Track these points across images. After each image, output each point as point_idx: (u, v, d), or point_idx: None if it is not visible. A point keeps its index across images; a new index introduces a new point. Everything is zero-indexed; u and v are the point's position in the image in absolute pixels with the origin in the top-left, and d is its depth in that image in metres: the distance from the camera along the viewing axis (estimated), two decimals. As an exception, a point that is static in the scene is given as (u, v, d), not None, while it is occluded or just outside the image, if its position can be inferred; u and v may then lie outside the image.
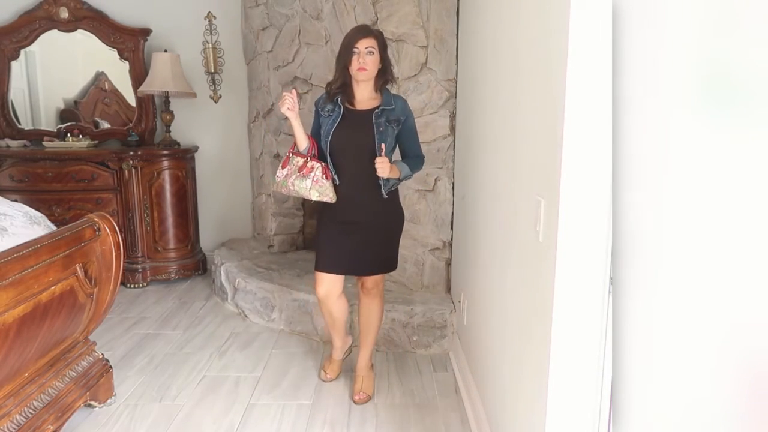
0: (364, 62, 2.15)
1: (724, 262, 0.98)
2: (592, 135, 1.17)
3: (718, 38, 0.97)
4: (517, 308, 1.62)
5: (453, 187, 2.97)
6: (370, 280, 2.40)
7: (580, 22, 1.14)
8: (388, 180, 2.23)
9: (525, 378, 1.51)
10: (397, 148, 2.34)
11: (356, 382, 2.49)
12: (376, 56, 2.19)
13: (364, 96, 2.25)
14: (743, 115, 0.95)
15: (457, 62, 2.85)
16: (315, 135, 2.30)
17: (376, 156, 2.15)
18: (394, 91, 2.91)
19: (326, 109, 2.26)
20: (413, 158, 2.32)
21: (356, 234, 2.29)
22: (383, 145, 2.16)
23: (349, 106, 2.25)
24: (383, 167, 2.14)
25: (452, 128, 2.91)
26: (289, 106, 2.13)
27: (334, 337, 2.57)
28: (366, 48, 2.15)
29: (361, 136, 2.20)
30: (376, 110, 2.21)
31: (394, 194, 2.34)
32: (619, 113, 1.15)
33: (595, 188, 1.19)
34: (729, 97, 0.96)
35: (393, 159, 2.26)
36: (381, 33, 2.24)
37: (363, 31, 2.19)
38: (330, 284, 2.35)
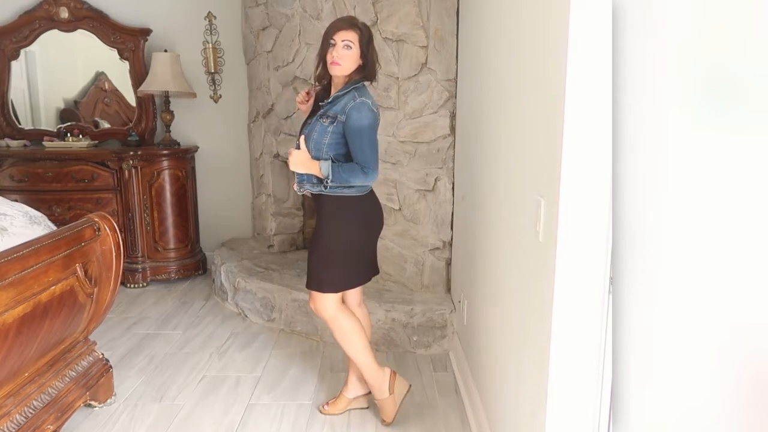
0: (339, 56, 1.95)
1: (724, 262, 0.98)
2: (592, 135, 1.17)
3: (718, 38, 0.97)
4: (517, 308, 1.62)
5: (453, 187, 2.97)
6: (312, 298, 2.17)
7: (580, 22, 1.14)
8: (311, 177, 2.04)
9: (525, 378, 1.51)
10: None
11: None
12: (355, 51, 1.96)
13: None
14: (743, 115, 0.95)
15: (457, 62, 2.85)
16: None
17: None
18: (394, 91, 2.93)
19: None
20: (351, 164, 1.99)
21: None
22: (302, 137, 2.03)
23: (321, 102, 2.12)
24: (293, 159, 2.02)
25: (452, 128, 2.91)
26: (299, 99, 2.18)
27: (351, 365, 2.32)
28: (343, 41, 1.95)
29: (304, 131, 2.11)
30: (323, 104, 2.06)
31: (343, 203, 2.06)
32: (619, 113, 1.15)
33: (595, 188, 1.19)
34: (729, 97, 0.96)
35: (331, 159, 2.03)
36: (367, 27, 2.02)
37: (345, 22, 2.00)
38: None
